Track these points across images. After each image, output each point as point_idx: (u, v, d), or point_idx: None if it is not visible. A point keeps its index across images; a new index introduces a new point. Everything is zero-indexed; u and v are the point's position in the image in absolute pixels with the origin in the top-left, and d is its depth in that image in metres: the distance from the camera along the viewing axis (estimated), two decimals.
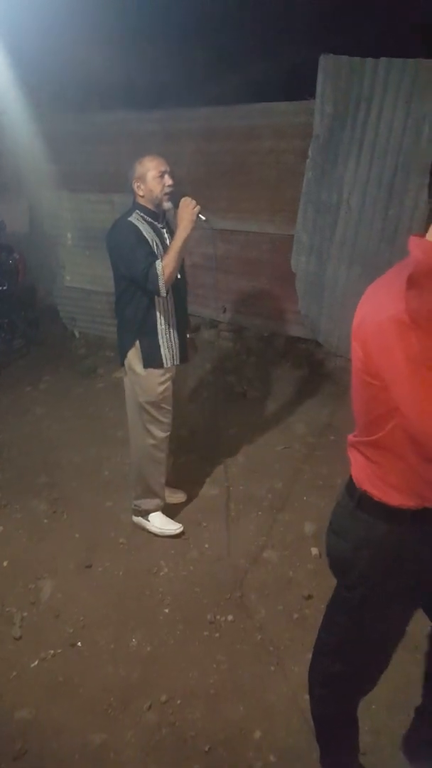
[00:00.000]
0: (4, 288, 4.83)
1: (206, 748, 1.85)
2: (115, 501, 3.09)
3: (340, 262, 4.08)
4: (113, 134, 4.94)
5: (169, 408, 2.63)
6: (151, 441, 2.65)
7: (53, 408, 4.19)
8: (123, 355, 2.61)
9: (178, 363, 2.62)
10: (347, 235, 4.01)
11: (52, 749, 1.87)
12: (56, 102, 5.14)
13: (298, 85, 4.04)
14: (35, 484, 3.27)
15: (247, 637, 2.24)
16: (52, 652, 2.22)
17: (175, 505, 2.98)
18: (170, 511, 2.89)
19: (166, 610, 2.39)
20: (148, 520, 2.83)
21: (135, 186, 2.48)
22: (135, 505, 2.82)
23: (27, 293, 5.37)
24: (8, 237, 5.14)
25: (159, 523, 2.82)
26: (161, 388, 2.58)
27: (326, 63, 3.84)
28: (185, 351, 2.68)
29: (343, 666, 1.43)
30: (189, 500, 3.05)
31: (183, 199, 2.41)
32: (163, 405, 2.61)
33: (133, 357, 2.57)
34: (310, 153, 4.00)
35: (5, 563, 2.68)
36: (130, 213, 2.49)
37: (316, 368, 4.40)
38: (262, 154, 4.39)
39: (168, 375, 2.60)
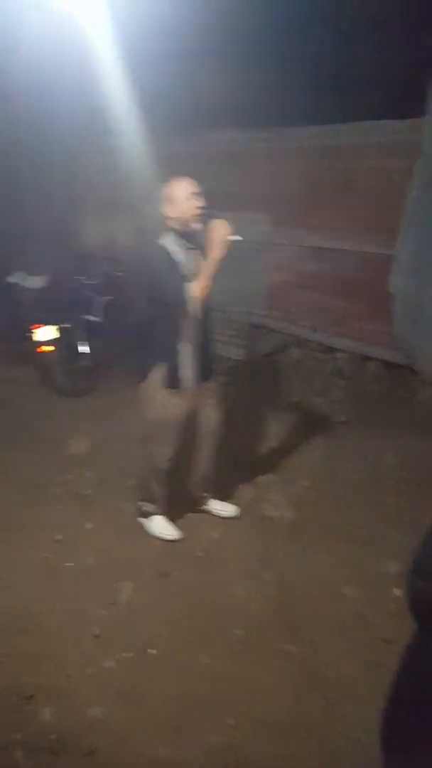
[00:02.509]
0: (112, 298, 5.10)
1: None
2: (196, 512, 3.14)
3: None
4: (220, 153, 5.08)
5: (182, 427, 2.73)
6: (161, 455, 2.79)
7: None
8: (143, 374, 2.70)
9: (197, 384, 2.70)
10: None
11: (119, 753, 1.93)
12: (169, 123, 5.38)
13: (408, 103, 3.92)
14: (123, 486, 3.38)
15: (319, 674, 2.19)
16: (126, 655, 2.29)
17: (261, 523, 3.00)
18: (238, 528, 2.93)
19: (239, 632, 2.39)
20: (150, 522, 2.98)
21: (165, 208, 2.54)
22: (138, 506, 3.00)
23: (130, 303, 5.64)
24: (117, 251, 5.44)
25: (159, 525, 2.95)
26: (178, 408, 2.68)
27: None
28: (207, 372, 2.76)
29: (421, 720, 1.35)
30: (265, 522, 3.03)
31: (215, 221, 2.43)
32: (176, 424, 2.71)
33: (154, 377, 2.66)
34: (415, 171, 3.86)
35: (90, 560, 2.80)
36: (160, 235, 2.56)
37: (410, 397, 4.21)
38: (367, 172, 4.31)
39: (187, 395, 2.68)
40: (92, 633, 2.40)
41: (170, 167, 5.25)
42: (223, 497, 3.15)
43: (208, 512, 3.10)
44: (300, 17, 4.55)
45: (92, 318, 4.93)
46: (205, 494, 3.09)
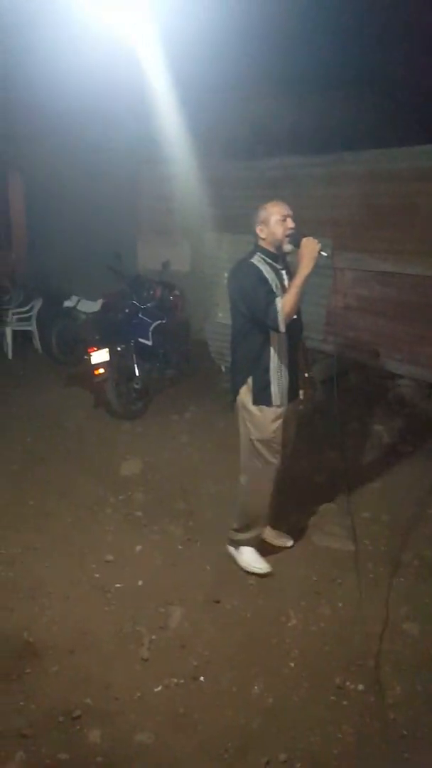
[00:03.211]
0: (163, 321, 5.17)
1: None
2: None
3: None
4: (275, 179, 5.14)
5: (279, 446, 2.66)
6: (260, 476, 2.69)
7: (196, 437, 4.34)
8: (235, 392, 2.70)
9: (286, 402, 2.64)
10: None
11: None
12: (226, 150, 5.51)
13: None
14: (173, 509, 3.38)
15: (377, 714, 2.05)
16: (175, 680, 2.23)
17: (316, 554, 2.88)
18: (291, 557, 2.80)
19: (292, 664, 2.28)
20: (240, 553, 2.84)
21: (258, 229, 2.57)
22: (232, 535, 2.86)
23: (182, 328, 5.71)
24: (171, 275, 5.55)
25: (249, 558, 2.82)
26: (273, 425, 2.62)
27: None
28: (295, 390, 2.70)
29: None
30: (321, 553, 2.92)
31: (305, 239, 2.46)
32: (273, 443, 2.64)
33: (245, 394, 2.65)
34: None
35: (140, 582, 2.77)
36: (252, 255, 2.60)
37: None
38: (429, 196, 4.22)
39: (279, 412, 2.63)
40: (141, 656, 2.35)
41: (228, 192, 5.39)
42: (278, 525, 3.05)
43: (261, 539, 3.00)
44: (358, 43, 4.61)
45: (145, 341, 5.01)
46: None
